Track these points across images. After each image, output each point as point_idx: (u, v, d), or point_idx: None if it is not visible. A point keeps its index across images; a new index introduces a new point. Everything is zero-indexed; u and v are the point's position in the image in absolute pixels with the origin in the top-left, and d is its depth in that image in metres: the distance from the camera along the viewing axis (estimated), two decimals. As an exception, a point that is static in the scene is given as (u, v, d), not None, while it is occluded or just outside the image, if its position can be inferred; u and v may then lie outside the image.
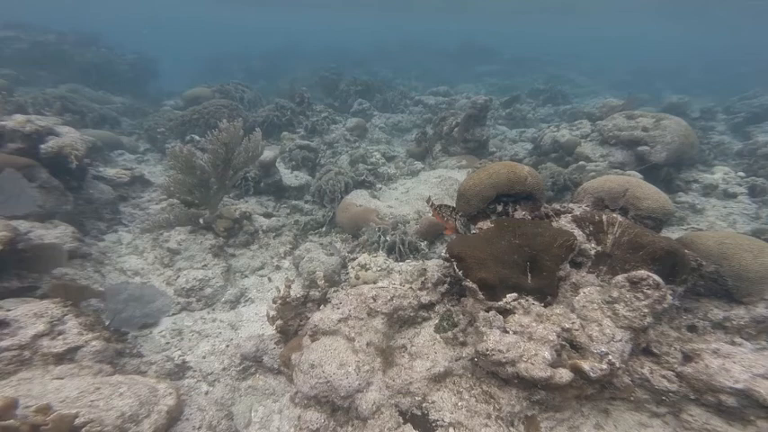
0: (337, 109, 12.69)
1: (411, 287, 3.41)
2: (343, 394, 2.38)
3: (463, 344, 2.78)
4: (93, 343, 2.92)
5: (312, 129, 10.22)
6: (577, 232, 3.15)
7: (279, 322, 3.27)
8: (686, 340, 2.62)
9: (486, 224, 3.41)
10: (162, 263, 5.01)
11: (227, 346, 3.66)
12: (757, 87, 11.88)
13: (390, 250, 5.07)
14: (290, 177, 7.75)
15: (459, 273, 2.88)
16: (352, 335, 2.71)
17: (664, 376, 2.18)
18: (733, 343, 2.49)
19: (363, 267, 4.81)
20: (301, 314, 3.39)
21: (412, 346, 3.00)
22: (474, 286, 2.73)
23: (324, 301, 3.54)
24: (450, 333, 2.92)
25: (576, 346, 2.27)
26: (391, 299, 3.08)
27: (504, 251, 2.98)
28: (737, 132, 8.98)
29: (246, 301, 4.69)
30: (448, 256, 3.01)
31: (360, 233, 5.86)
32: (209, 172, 5.13)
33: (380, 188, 7.66)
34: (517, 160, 8.56)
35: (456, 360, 2.72)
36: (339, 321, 2.80)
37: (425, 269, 4.15)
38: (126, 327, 3.76)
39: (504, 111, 13.18)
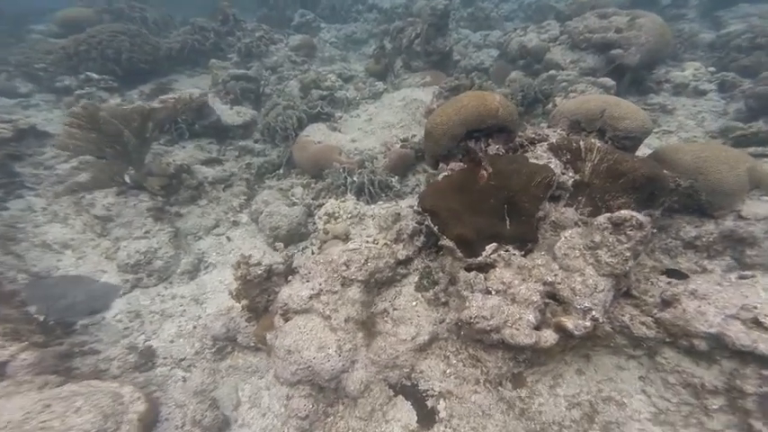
0: (274, 24, 10.71)
1: (386, 242, 3.16)
2: (327, 377, 2.26)
3: (445, 304, 2.67)
4: (23, 356, 2.54)
5: (247, 52, 8.65)
6: (554, 162, 2.88)
7: (244, 302, 3.00)
8: (661, 271, 2.60)
9: (457, 164, 3.06)
10: (94, 231, 4.36)
11: (195, 327, 3.38)
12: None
13: (359, 192, 4.69)
14: (231, 114, 6.71)
15: (435, 228, 2.62)
16: (327, 312, 2.50)
17: (643, 323, 2.19)
18: (704, 269, 2.51)
19: (332, 217, 4.46)
20: (268, 289, 3.11)
21: (394, 309, 2.87)
22: (451, 244, 2.50)
23: (290, 272, 3.25)
24: (431, 292, 2.78)
25: (559, 300, 2.18)
26: (366, 262, 2.83)
27: (479, 197, 2.71)
28: (707, 18, 8.51)
29: (207, 267, 4.30)
30: (420, 209, 2.71)
31: (323, 174, 5.36)
32: (121, 129, 4.23)
33: (341, 117, 6.88)
34: (483, 69, 7.86)
35: (440, 322, 2.64)
36: (311, 298, 2.55)
37: (399, 213, 3.90)
38: (70, 316, 3.35)
39: (466, 11, 11.73)
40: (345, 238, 4.03)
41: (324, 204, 4.67)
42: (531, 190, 2.58)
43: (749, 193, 2.73)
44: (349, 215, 4.35)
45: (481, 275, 2.38)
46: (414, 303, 2.90)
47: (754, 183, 2.64)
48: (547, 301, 2.20)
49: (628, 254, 2.01)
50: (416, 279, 3.02)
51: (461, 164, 3.02)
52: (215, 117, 6.23)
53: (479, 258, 2.49)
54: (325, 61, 9.34)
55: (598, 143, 2.78)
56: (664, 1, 9.44)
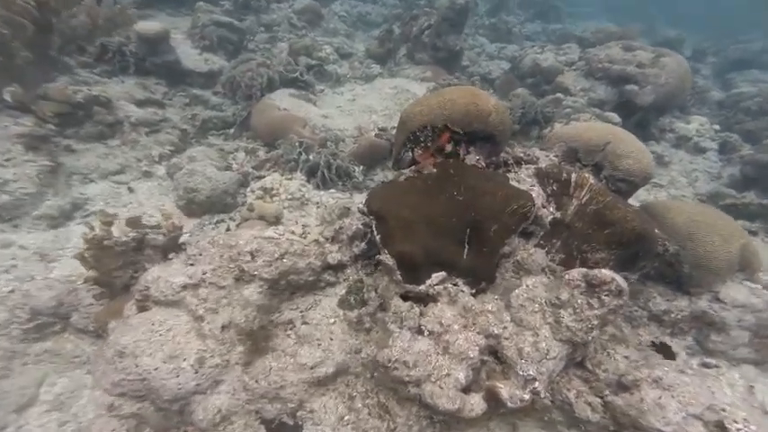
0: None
1: (318, 239, 2.67)
2: (168, 397, 1.74)
3: (368, 331, 2.21)
4: None
5: (245, 3, 7.96)
6: (537, 191, 2.53)
7: (92, 273, 2.40)
8: (620, 340, 2.30)
9: (428, 166, 2.63)
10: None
11: (13, 290, 2.63)
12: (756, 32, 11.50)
13: (311, 173, 4.18)
14: (197, 60, 6.04)
15: (377, 237, 2.18)
16: (201, 311, 1.98)
17: (589, 403, 1.86)
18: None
19: (268, 193, 3.91)
20: (136, 263, 2.54)
21: (303, 322, 2.38)
22: (391, 262, 2.07)
23: (175, 247, 2.69)
24: (355, 313, 2.32)
25: (500, 359, 1.78)
26: (281, 257, 2.33)
27: (441, 211, 2.30)
28: (719, 78, 8.72)
29: (85, 217, 3.60)
30: (366, 209, 2.25)
31: (277, 143, 4.80)
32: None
33: (322, 91, 6.35)
34: (490, 80, 7.59)
35: (356, 352, 2.18)
36: (184, 288, 2.02)
37: (349, 208, 3.43)
38: None
39: (489, 20, 11.54)
40: (275, 221, 3.51)
41: (265, 178, 4.14)
42: (503, 218, 2.20)
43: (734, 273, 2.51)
44: (289, 196, 3.84)
45: (417, 309, 1.96)
46: (332, 321, 2.43)
47: (743, 264, 2.41)
48: (485, 358, 1.80)
49: (595, 322, 1.66)
50: (343, 292, 2.56)
51: (433, 167, 2.60)
52: (173, 57, 5.52)
53: (421, 287, 2.07)
54: (328, 33, 8.74)
55: (591, 180, 2.45)
56: (686, 53, 9.64)
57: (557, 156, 2.96)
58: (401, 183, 2.50)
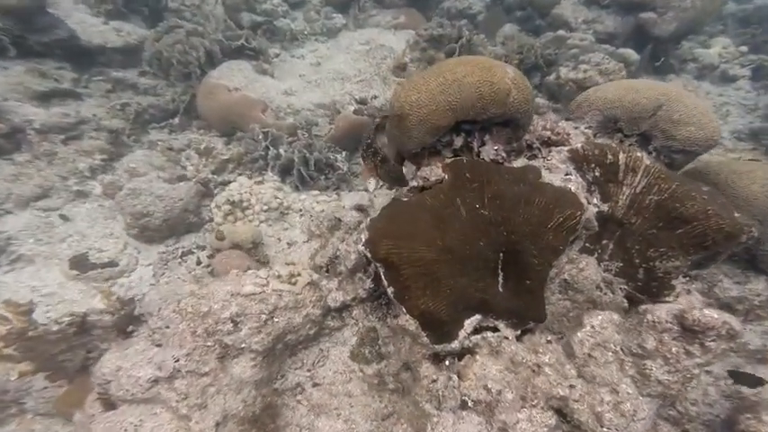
0: None
1: (310, 279, 2.34)
2: None
3: (393, 392, 1.96)
4: None
5: None
6: (574, 180, 2.22)
7: (27, 367, 2.02)
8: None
9: (434, 170, 2.27)
10: None
11: None
12: None
13: (286, 171, 3.73)
14: (105, 31, 5.11)
15: (389, 291, 1.85)
16: (185, 409, 1.67)
17: None
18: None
19: (237, 208, 3.45)
20: (87, 344, 2.16)
21: (314, 384, 2.13)
22: (414, 327, 1.76)
23: (129, 321, 2.31)
24: (373, 368, 2.06)
25: (572, 424, 1.56)
26: (270, 317, 2.02)
27: (464, 234, 1.98)
28: None
29: (14, 262, 3.14)
30: (370, 255, 1.90)
31: (236, 137, 4.28)
32: None
33: (277, 56, 5.63)
34: (470, 16, 6.93)
35: (383, 419, 1.93)
36: (155, 383, 1.69)
37: (340, 219, 3.06)
38: None
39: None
40: (252, 246, 3.12)
41: (229, 184, 3.66)
42: (547, 236, 1.89)
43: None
44: (264, 207, 3.42)
45: (455, 377, 1.69)
46: (347, 379, 2.17)
47: None
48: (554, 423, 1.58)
49: (696, 371, 1.43)
50: (355, 341, 2.28)
51: (442, 171, 2.23)
52: (65, 32, 4.62)
53: (454, 344, 1.80)
54: None
55: (646, 160, 2.14)
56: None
57: (589, 127, 2.62)
58: (406, 206, 2.12)
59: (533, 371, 1.67)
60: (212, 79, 4.56)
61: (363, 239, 2.00)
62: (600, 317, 1.70)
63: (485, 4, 7.17)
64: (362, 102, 4.18)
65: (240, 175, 3.80)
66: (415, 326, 1.81)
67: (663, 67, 5.40)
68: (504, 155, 2.35)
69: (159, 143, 4.48)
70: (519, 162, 2.37)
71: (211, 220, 3.55)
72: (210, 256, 3.22)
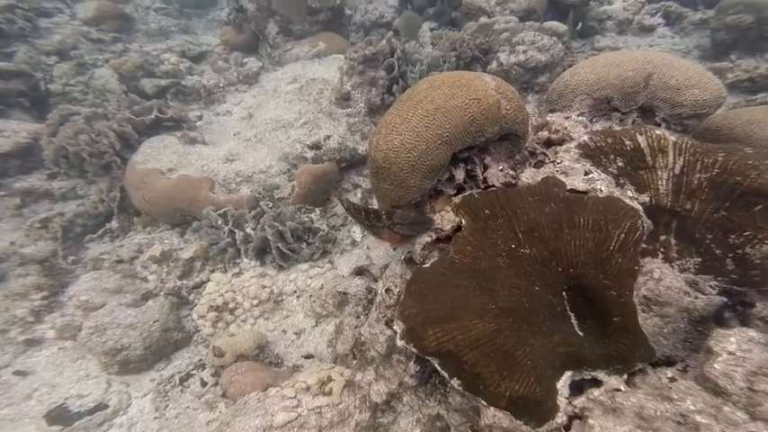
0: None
1: (348, 379, 1.91)
2: None
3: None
4: None
5: None
6: (598, 177, 1.94)
7: None
8: None
9: (446, 216, 1.90)
10: None
11: None
12: None
13: (261, 252, 3.21)
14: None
15: (456, 384, 1.47)
16: None
17: None
18: None
19: (224, 311, 2.85)
20: None
21: None
22: (507, 421, 1.38)
23: None
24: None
25: None
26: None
27: (514, 286, 1.63)
28: None
29: None
30: (417, 351, 1.50)
31: (187, 222, 3.70)
32: None
33: (199, 118, 5.06)
34: (385, 24, 6.68)
35: None
36: None
37: (346, 293, 2.62)
38: None
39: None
40: (259, 351, 2.60)
41: (205, 286, 3.10)
42: (613, 260, 1.56)
43: None
44: (254, 302, 2.89)
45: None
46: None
47: None
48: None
49: None
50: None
51: (455, 216, 1.85)
52: None
53: (559, 419, 1.42)
54: (153, 35, 6.89)
55: (671, 136, 1.88)
56: None
57: (581, 114, 2.35)
58: (433, 274, 1.72)
59: (679, 423, 1.32)
60: (138, 165, 3.94)
61: (400, 331, 1.59)
62: (732, 338, 1.38)
63: (394, 9, 6.95)
64: (317, 146, 3.74)
65: (213, 271, 3.23)
66: (508, 419, 1.42)
67: (585, 31, 5.38)
68: (511, 172, 2.03)
69: (104, 258, 3.80)
70: (527, 174, 2.06)
71: (198, 329, 2.99)
72: (215, 374, 2.67)
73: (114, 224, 4.10)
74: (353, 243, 3.25)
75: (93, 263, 3.78)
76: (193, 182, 3.72)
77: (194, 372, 2.81)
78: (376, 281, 2.72)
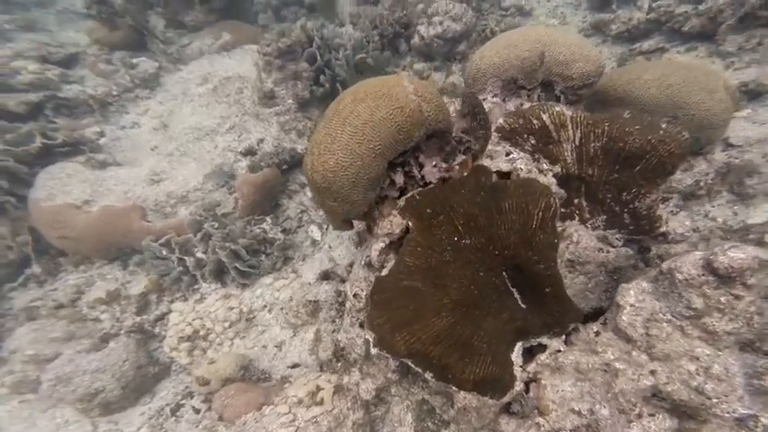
0: None
1: (336, 384, 2.09)
2: None
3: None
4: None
5: None
6: (518, 157, 2.16)
7: None
8: None
9: (394, 220, 2.03)
10: None
11: None
12: None
13: (219, 273, 3.16)
14: None
15: (431, 378, 1.70)
16: None
17: None
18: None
19: (198, 340, 2.81)
20: None
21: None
22: (476, 401, 1.64)
23: None
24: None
25: (679, 409, 1.55)
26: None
27: (462, 277, 1.83)
28: None
29: None
30: (390, 356, 1.70)
31: (133, 262, 3.51)
32: None
33: (102, 135, 4.54)
34: (297, 2, 6.21)
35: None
36: None
37: (317, 300, 2.71)
38: None
39: None
40: (244, 371, 2.66)
41: (168, 317, 3.03)
42: (537, 237, 1.79)
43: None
44: (226, 325, 2.90)
45: (538, 419, 1.63)
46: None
47: (733, 100, 2.46)
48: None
49: (753, 309, 1.48)
50: (410, 418, 2.10)
51: (401, 219, 1.99)
52: None
53: (517, 387, 1.69)
54: None
55: (567, 111, 2.11)
56: None
57: (496, 96, 2.52)
58: (392, 281, 1.86)
59: (605, 371, 1.64)
60: (43, 202, 3.56)
61: (372, 340, 1.75)
62: (631, 291, 1.69)
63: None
64: (251, 152, 3.61)
65: (172, 302, 3.14)
66: (476, 399, 1.67)
67: None
68: (444, 165, 2.17)
69: (38, 306, 3.52)
70: (459, 161, 2.21)
71: (172, 359, 2.96)
72: (206, 400, 2.70)
73: (36, 269, 3.75)
74: (314, 243, 3.28)
75: (26, 313, 3.49)
76: (119, 213, 3.46)
77: (183, 401, 2.80)
78: (344, 281, 2.83)
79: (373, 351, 1.73)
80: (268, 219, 3.32)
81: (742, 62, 3.03)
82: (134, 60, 5.24)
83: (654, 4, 3.60)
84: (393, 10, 4.32)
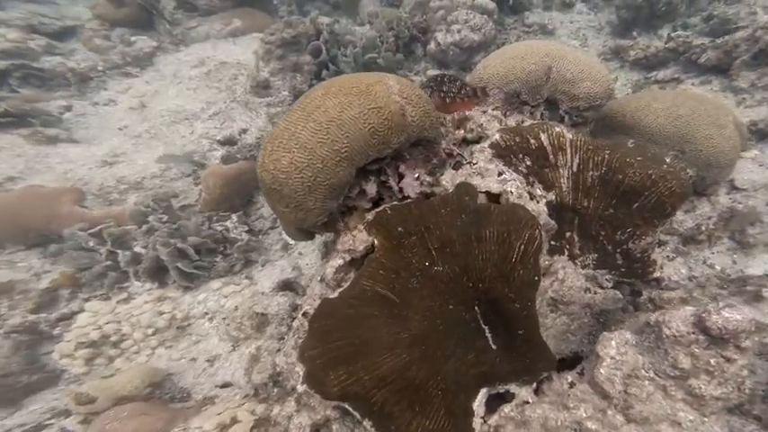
0: None
1: (257, 419, 1.77)
2: None
3: None
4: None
5: None
6: (510, 178, 1.93)
7: None
8: None
9: (358, 235, 1.78)
10: None
11: None
12: None
13: (158, 272, 2.81)
14: None
15: (370, 427, 1.41)
16: None
17: None
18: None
19: (105, 346, 2.36)
20: None
21: None
22: None
23: None
24: None
25: None
26: None
27: (428, 309, 1.62)
28: None
29: None
30: (320, 397, 1.44)
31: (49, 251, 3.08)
32: None
33: (68, 109, 4.19)
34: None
35: None
36: None
37: (265, 314, 2.39)
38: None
39: None
40: (150, 390, 2.27)
41: (76, 317, 2.61)
42: (516, 272, 1.56)
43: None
44: (150, 331, 2.54)
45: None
46: None
47: (742, 138, 2.33)
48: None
49: (744, 373, 1.28)
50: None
51: (368, 235, 1.72)
52: None
53: (475, 439, 1.42)
54: None
55: (569, 134, 1.91)
56: None
57: (497, 108, 2.32)
58: (341, 305, 1.61)
59: (575, 430, 1.39)
60: None
61: (301, 375, 1.47)
62: (613, 342, 1.46)
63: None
64: (230, 142, 3.32)
65: (88, 300, 2.75)
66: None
67: (516, 6, 5.36)
68: (428, 179, 1.95)
69: None
70: (446, 177, 1.99)
71: (63, 371, 2.53)
72: (84, 421, 2.26)
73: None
74: (285, 248, 2.97)
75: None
76: (47, 195, 3.11)
77: (51, 421, 2.35)
78: (304, 294, 2.53)
79: (300, 388, 1.45)
80: (234, 216, 3.02)
81: (753, 99, 2.97)
82: (133, 38, 5.02)
83: (673, 34, 3.59)
84: (413, 14, 4.20)
